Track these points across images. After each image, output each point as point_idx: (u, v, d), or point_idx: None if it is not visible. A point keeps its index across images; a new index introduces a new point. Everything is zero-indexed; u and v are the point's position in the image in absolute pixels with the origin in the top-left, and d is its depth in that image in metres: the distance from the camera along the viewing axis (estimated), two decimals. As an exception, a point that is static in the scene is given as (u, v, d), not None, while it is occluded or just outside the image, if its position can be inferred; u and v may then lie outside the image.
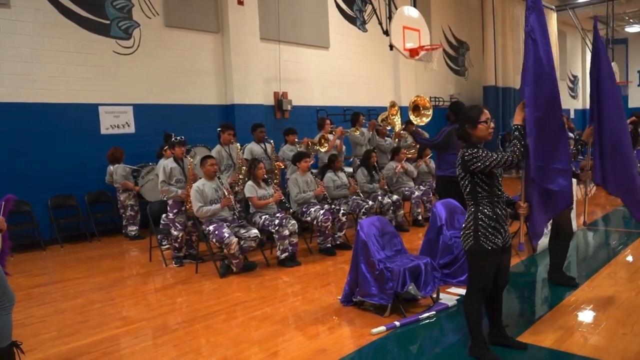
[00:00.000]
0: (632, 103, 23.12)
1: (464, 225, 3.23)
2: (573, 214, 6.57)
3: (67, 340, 3.97)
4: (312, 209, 6.26)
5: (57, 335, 4.07)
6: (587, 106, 24.09)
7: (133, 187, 7.84)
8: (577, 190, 8.00)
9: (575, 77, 22.79)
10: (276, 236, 5.78)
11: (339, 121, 10.17)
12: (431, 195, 8.00)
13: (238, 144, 7.03)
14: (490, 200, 3.13)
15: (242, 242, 5.48)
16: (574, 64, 22.66)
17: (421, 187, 8.06)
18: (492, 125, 3.17)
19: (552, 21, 18.38)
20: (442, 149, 6.03)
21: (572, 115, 21.70)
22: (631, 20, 21.70)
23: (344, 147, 8.23)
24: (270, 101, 10.44)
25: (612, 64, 18.20)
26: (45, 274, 6.14)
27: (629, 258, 5.70)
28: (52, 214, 7.51)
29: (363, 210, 6.69)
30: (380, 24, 9.85)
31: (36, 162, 7.46)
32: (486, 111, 3.18)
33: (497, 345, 3.41)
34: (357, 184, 7.16)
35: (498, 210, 3.14)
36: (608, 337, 3.56)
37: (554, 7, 18.40)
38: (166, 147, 6.85)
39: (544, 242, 5.81)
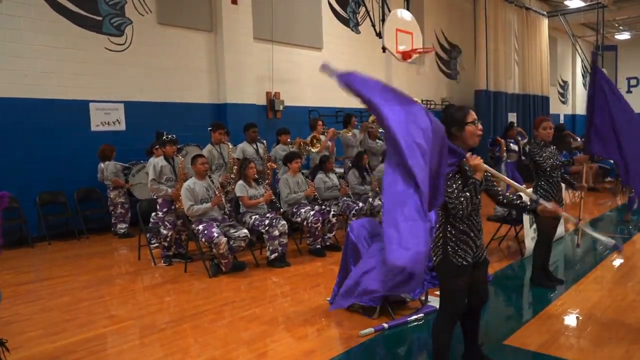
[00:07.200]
0: (621, 109, 23.34)
1: (434, 240, 2.95)
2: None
3: (54, 338, 3.94)
4: (303, 210, 6.27)
5: (43, 334, 4.04)
6: (577, 112, 24.34)
7: (124, 183, 7.79)
8: (565, 195, 8.08)
9: (565, 82, 22.99)
10: (266, 236, 5.77)
11: (331, 122, 10.18)
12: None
13: (230, 144, 7.02)
14: (463, 213, 2.83)
15: (231, 242, 5.47)
16: (564, 70, 22.87)
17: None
18: (479, 127, 2.95)
19: (543, 27, 18.56)
20: None
21: (561, 120, 21.89)
22: (621, 28, 21.95)
23: (335, 149, 8.24)
24: (262, 101, 10.43)
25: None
26: (32, 271, 6.08)
27: (616, 263, 5.76)
28: (40, 210, 7.45)
29: (353, 211, 6.71)
30: (374, 26, 9.88)
31: (25, 157, 7.39)
32: (472, 112, 2.96)
33: None
34: (348, 185, 7.17)
35: (471, 223, 2.90)
36: (594, 342, 3.59)
37: (545, 13, 18.57)
38: (157, 145, 6.82)
39: (532, 245, 5.86)
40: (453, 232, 2.89)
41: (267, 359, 3.52)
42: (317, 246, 6.31)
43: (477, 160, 2.82)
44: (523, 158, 11.55)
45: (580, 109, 23.36)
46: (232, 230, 5.56)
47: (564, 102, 22.80)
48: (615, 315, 4.06)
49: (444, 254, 2.90)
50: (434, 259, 2.97)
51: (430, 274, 4.83)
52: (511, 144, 10.54)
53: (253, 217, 5.91)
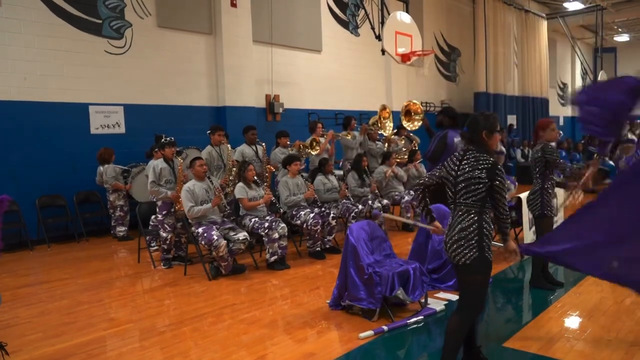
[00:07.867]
0: (620, 111, 23.36)
1: (461, 235, 2.93)
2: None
3: (53, 341, 3.94)
4: (302, 212, 6.26)
5: (42, 337, 4.03)
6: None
7: (123, 187, 7.79)
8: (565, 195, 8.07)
9: (564, 84, 23.00)
10: (265, 239, 5.77)
11: (330, 125, 10.19)
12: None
13: (229, 145, 7.02)
14: (489, 210, 2.99)
15: (231, 245, 5.46)
16: (564, 72, 22.89)
17: (411, 192, 8.09)
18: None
19: (542, 29, 18.59)
20: (438, 155, 6.05)
21: (561, 122, 21.91)
22: (620, 30, 21.99)
23: (334, 151, 8.24)
24: (262, 104, 10.43)
25: (601, 72, 18.47)
26: (31, 274, 6.08)
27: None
28: (40, 213, 7.44)
29: (353, 214, 6.70)
30: (373, 28, 9.89)
31: (25, 160, 7.39)
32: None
33: None
34: (348, 187, 7.17)
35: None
36: (594, 344, 3.59)
37: (544, 15, 18.61)
38: (156, 148, 6.82)
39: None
40: (487, 227, 2.96)
41: (267, 362, 3.51)
42: (317, 249, 6.30)
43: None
44: (522, 160, 11.58)
45: (580, 111, 23.32)
46: (231, 233, 5.56)
47: (563, 104, 22.82)
48: (615, 317, 4.06)
49: (479, 250, 2.90)
50: (468, 255, 2.89)
51: (430, 276, 4.83)
52: (501, 147, 10.64)
53: (253, 219, 5.91)
